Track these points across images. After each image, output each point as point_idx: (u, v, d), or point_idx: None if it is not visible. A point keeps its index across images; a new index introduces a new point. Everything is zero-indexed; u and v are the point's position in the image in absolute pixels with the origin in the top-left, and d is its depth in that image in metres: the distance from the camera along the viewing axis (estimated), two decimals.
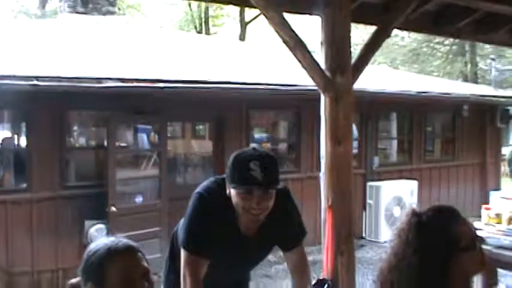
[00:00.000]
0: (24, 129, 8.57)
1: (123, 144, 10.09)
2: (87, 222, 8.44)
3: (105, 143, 8.97)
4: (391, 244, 2.43)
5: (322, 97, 4.17)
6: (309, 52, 3.98)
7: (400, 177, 12.16)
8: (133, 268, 2.19)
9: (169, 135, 10.78)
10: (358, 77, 4.26)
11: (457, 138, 13.84)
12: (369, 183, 11.55)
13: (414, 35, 26.70)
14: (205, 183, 3.07)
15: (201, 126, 13.49)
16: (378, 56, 28.97)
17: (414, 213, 2.37)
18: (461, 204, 12.69)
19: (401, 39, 28.63)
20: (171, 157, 10.61)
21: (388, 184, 11.49)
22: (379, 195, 11.25)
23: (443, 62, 29.26)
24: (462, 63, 28.69)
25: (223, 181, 2.94)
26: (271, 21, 3.83)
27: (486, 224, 5.46)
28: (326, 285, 3.47)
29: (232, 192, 2.86)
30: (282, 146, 12.03)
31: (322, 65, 4.11)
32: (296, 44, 3.91)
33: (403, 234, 2.36)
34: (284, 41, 3.91)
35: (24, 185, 8.43)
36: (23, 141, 8.68)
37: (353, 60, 4.22)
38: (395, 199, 11.21)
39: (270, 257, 9.74)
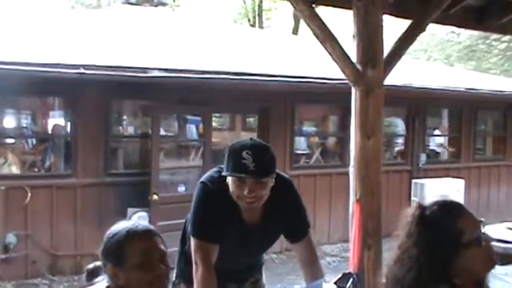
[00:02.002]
0: (71, 116, 8.76)
1: (171, 134, 10.24)
2: (129, 210, 8.60)
3: (150, 132, 9.10)
4: (397, 237, 2.44)
5: (353, 90, 4.16)
6: (339, 45, 3.97)
7: (448, 176, 11.95)
8: (152, 250, 2.26)
9: (219, 126, 10.82)
10: (390, 71, 4.22)
11: (509, 137, 13.52)
12: (414, 181, 11.42)
13: (470, 32, 26.12)
14: (209, 173, 3.18)
15: (251, 119, 13.56)
16: (433, 52, 28.53)
17: (419, 207, 2.37)
18: (511, 205, 12.45)
19: (457, 35, 28.04)
20: (218, 148, 10.70)
21: (433, 182, 11.33)
22: (423, 193, 11.10)
23: (501, 59, 28.54)
24: None
25: None
26: (301, 14, 3.84)
27: None
28: (351, 279, 3.46)
29: (228, 180, 2.96)
30: (331, 140, 11.94)
31: (354, 58, 4.10)
32: (326, 37, 3.91)
33: (406, 227, 2.36)
34: (314, 34, 3.92)
35: (70, 171, 8.66)
36: (69, 129, 8.89)
37: (385, 54, 4.18)
38: (440, 198, 11.01)
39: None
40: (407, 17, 4.53)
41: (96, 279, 2.49)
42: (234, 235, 3.09)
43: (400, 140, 12.34)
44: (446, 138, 13.52)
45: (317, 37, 3.93)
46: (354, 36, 4.12)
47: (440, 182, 11.43)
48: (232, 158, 2.93)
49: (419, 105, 11.61)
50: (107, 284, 2.31)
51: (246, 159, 2.85)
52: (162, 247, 2.31)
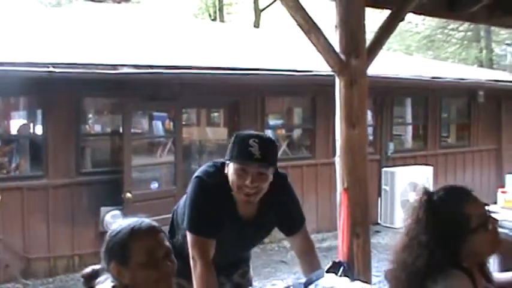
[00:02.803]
0: (40, 116, 8.60)
1: (139, 131, 10.16)
2: (102, 209, 8.50)
3: (121, 130, 9.00)
4: (404, 224, 2.46)
5: (337, 80, 4.17)
6: (323, 35, 3.97)
7: (415, 163, 12.13)
8: (157, 247, 2.24)
9: (184, 122, 10.82)
10: (372, 60, 4.25)
11: (473, 124, 13.76)
12: (384, 169, 11.54)
13: (428, 22, 26.51)
14: (203, 167, 3.16)
15: (215, 114, 13.52)
16: (393, 42, 28.82)
17: (426, 192, 2.39)
18: (477, 190, 12.41)
19: (415, 25, 28.39)
20: (187, 144, 10.65)
21: (403, 170, 11.47)
22: (394, 181, 11.23)
23: (458, 48, 29.04)
24: (477, 49, 28.44)
25: (221, 165, 3.06)
26: (285, 4, 3.84)
27: (502, 208, 5.45)
28: (342, 268, 3.49)
29: (229, 169, 2.97)
30: (297, 133, 12.01)
31: (337, 48, 4.10)
32: (310, 28, 3.92)
33: (414, 213, 2.38)
34: (299, 25, 3.92)
35: (41, 172, 8.49)
36: (38, 129, 8.73)
37: (367, 43, 4.20)
38: (410, 185, 11.16)
39: (286, 242, 9.86)
40: (386, 7, 4.56)
41: (97, 280, 2.45)
42: (230, 229, 3.08)
43: (368, 131, 12.45)
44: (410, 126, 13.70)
45: (301, 28, 3.93)
46: (336, 26, 4.13)
47: (411, 170, 11.57)
48: (237, 145, 2.94)
49: (386, 95, 11.73)
50: (112, 284, 2.27)
51: (253, 147, 2.87)
52: (167, 244, 2.29)
